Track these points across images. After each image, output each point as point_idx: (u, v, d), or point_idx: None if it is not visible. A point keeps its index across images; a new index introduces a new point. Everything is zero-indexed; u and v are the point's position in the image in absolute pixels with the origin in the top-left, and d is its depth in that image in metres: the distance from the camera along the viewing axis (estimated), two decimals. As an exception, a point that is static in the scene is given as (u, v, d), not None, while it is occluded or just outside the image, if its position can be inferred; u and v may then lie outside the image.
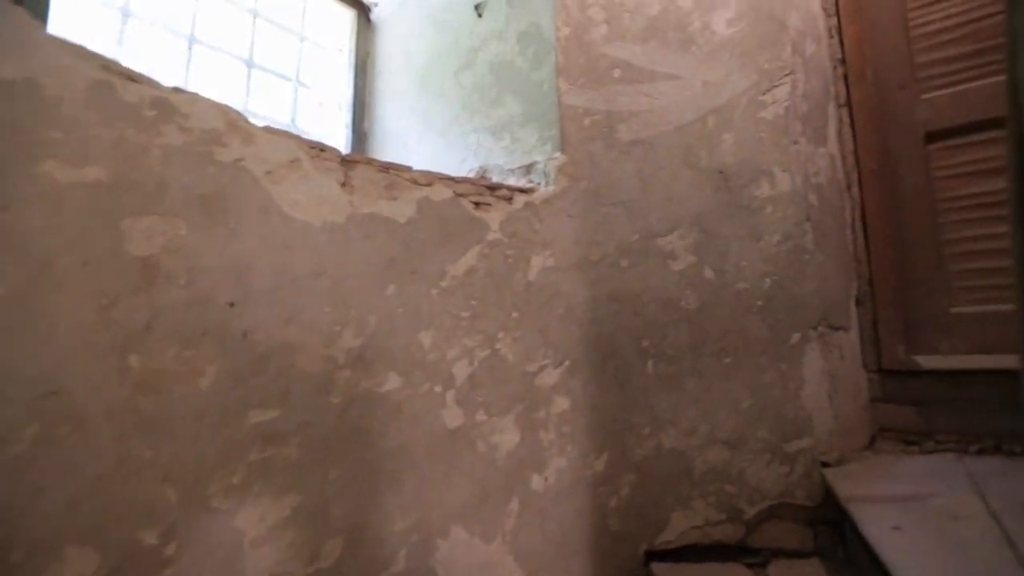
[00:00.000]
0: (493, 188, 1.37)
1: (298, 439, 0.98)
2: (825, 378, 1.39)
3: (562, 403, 1.39)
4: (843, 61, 1.61)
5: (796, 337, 1.41)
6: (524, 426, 1.32)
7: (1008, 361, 1.35)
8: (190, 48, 1.53)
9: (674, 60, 1.55)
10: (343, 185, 1.11)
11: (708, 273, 1.46)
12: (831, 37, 1.64)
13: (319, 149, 1.07)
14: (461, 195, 1.30)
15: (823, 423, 1.38)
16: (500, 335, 1.31)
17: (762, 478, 1.38)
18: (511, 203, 1.38)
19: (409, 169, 1.23)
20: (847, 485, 1.24)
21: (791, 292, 1.42)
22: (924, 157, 1.50)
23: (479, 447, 1.26)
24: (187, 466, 0.82)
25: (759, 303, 1.43)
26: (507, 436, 1.30)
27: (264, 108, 1.77)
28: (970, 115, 1.45)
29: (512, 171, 1.57)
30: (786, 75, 1.49)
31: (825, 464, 1.36)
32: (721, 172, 1.49)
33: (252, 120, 0.97)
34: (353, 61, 2.10)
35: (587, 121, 1.53)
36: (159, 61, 1.48)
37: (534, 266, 1.39)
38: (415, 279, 1.19)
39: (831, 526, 1.34)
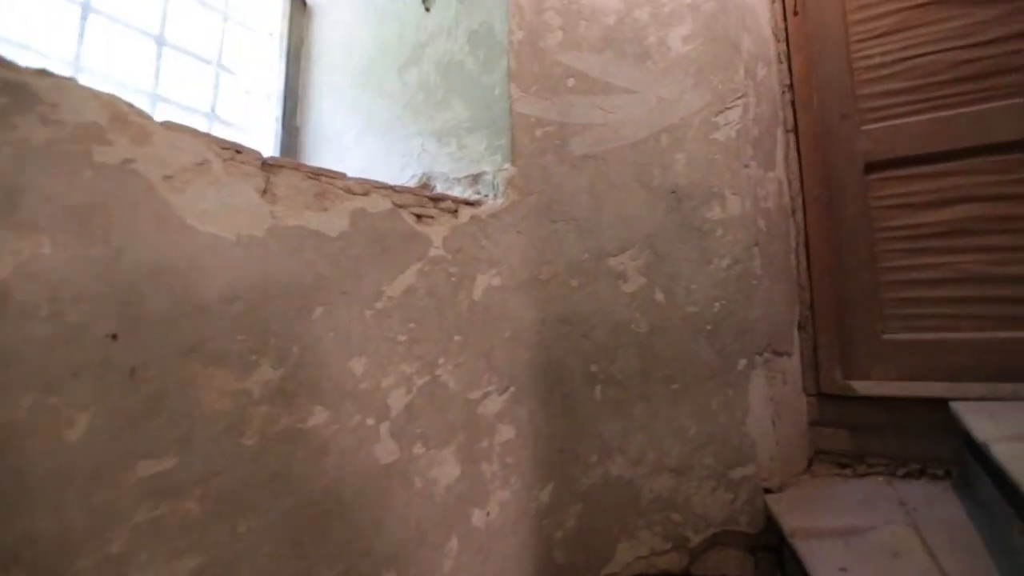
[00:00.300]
0: (437, 199, 1.26)
1: (200, 491, 0.84)
2: (769, 404, 1.39)
3: (506, 432, 1.30)
4: (791, 87, 1.63)
5: (743, 363, 1.39)
6: (465, 458, 1.23)
7: (933, 389, 1.40)
8: (84, 19, 1.31)
9: (629, 73, 1.50)
10: (264, 193, 0.96)
11: (659, 296, 1.43)
12: (780, 63, 1.65)
13: (235, 150, 0.93)
14: (401, 206, 1.19)
15: (766, 449, 1.38)
16: (441, 360, 1.21)
17: (707, 505, 1.36)
18: (456, 216, 1.28)
19: (343, 176, 1.10)
20: (789, 515, 1.24)
21: (739, 317, 1.41)
22: (863, 187, 1.54)
23: (416, 483, 1.15)
24: (46, 542, 0.66)
25: (708, 328, 1.41)
26: (447, 469, 1.20)
27: (178, 94, 1.57)
28: (906, 149, 1.50)
29: (458, 180, 1.46)
30: (739, 97, 1.48)
31: (767, 490, 1.36)
32: (674, 192, 1.45)
33: (162, 107, 0.81)
34: (285, 48, 1.92)
35: (539, 132, 1.45)
36: (43, 33, 1.25)
37: (479, 285, 1.30)
38: (347, 300, 1.06)
39: (771, 552, 1.34)
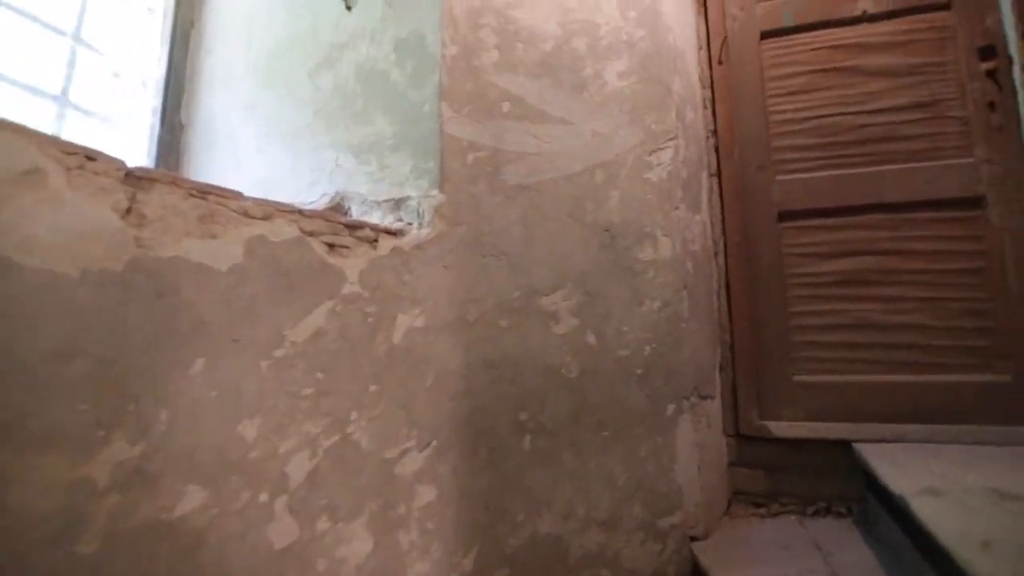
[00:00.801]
0: (354, 227, 1.09)
1: (6, 631, 0.60)
2: (695, 450, 1.38)
3: (427, 494, 1.15)
4: (715, 133, 1.68)
5: (671, 408, 1.37)
6: (379, 529, 1.06)
7: (837, 430, 1.48)
8: None
9: (566, 103, 1.45)
10: (127, 213, 0.74)
11: (590, 338, 1.36)
12: (705, 108, 1.69)
13: (85, 156, 0.70)
14: (311, 234, 1.00)
15: (692, 496, 1.36)
16: (353, 415, 1.03)
17: (636, 558, 1.31)
18: (375, 247, 1.12)
19: (239, 196, 0.90)
20: (717, 567, 1.21)
21: (669, 361, 1.38)
22: (777, 235, 1.61)
23: (319, 566, 0.96)
24: None
25: (639, 372, 1.36)
26: (357, 545, 1.02)
27: (16, 69, 1.24)
28: (813, 202, 1.59)
29: (378, 204, 1.30)
30: (670, 139, 1.48)
31: (693, 538, 1.34)
32: (608, 230, 1.41)
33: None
34: (170, 27, 1.63)
35: (471, 157, 1.34)
36: None
37: (400, 326, 1.14)
38: (238, 349, 0.86)
39: (695, 603, 1.31)
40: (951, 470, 1.16)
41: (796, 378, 1.56)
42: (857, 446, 1.38)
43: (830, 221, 1.59)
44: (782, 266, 1.60)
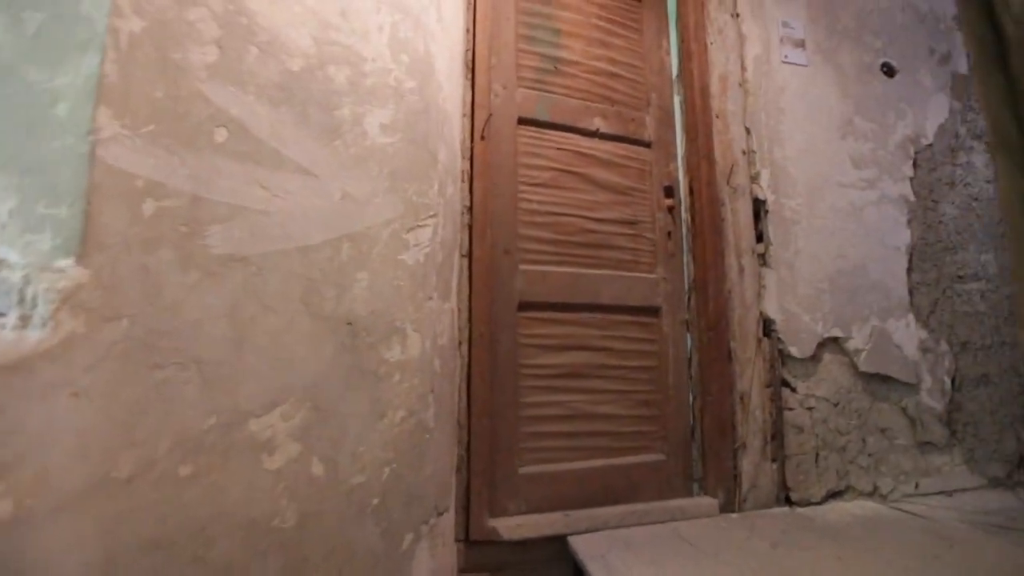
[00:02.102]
0: None
1: None
2: (429, 583, 1.20)
3: None
4: (470, 210, 1.57)
5: (409, 539, 1.16)
6: None
7: (554, 524, 1.54)
8: None
9: (312, 149, 1.08)
10: None
11: (317, 468, 1.03)
12: (463, 182, 1.57)
13: None
14: None
15: (420, 640, 1.17)
16: None
17: None
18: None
19: None
20: None
21: (409, 482, 1.17)
22: (516, 324, 1.61)
23: None
24: None
25: (375, 502, 1.10)
26: None
27: None
28: (548, 295, 1.65)
29: (-79, 269, 0.67)
30: (431, 216, 1.29)
31: None
32: (351, 324, 1.11)
33: None
34: None
35: (150, 205, 0.84)
36: None
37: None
38: None
39: None
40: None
41: (522, 470, 1.56)
42: (571, 540, 1.46)
43: (560, 315, 1.68)
44: (517, 356, 1.60)
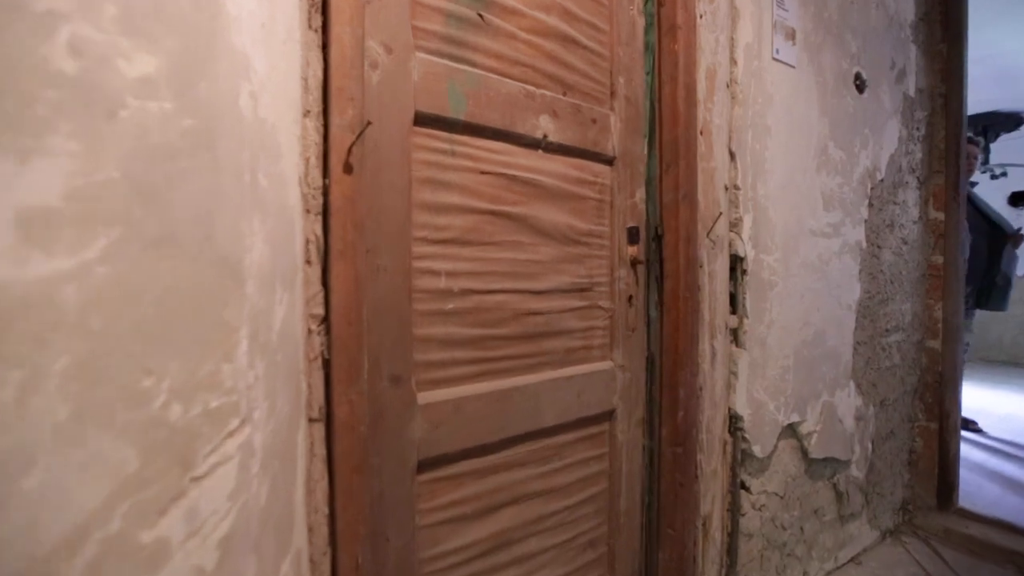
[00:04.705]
0: None
1: None
2: None
3: None
4: (326, 325, 0.77)
5: None
6: None
7: None
8: None
9: None
10: None
11: None
12: (308, 265, 0.75)
13: None
14: None
15: None
16: None
17: None
18: None
19: None
20: None
21: None
22: (411, 500, 0.91)
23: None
24: None
25: None
26: None
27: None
28: (460, 438, 0.98)
29: None
30: (228, 436, 0.50)
31: None
32: None
33: None
34: None
35: None
36: None
37: None
38: None
39: None
40: None
41: None
42: None
43: (482, 462, 1.02)
44: (414, 550, 0.93)
